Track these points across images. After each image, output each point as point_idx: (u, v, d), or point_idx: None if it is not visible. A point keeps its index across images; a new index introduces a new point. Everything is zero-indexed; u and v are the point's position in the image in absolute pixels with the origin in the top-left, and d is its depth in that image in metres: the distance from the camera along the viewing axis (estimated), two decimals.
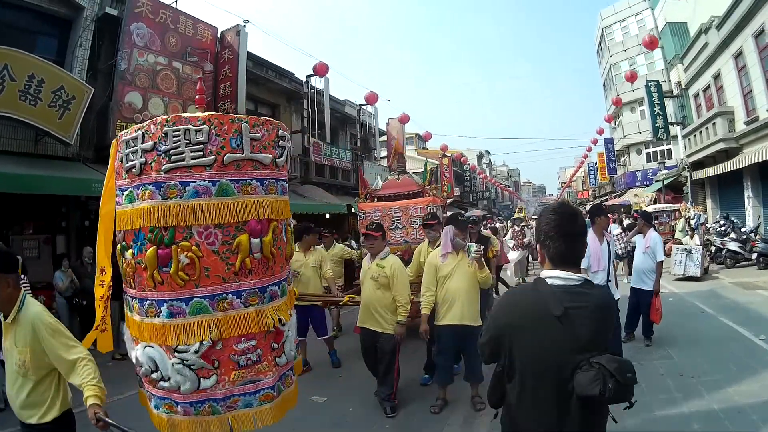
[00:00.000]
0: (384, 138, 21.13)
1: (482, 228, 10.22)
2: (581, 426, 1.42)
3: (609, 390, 1.31)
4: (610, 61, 26.18)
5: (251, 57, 12.30)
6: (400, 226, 6.17)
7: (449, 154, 29.39)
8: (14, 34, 7.46)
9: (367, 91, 16.58)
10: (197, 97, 2.46)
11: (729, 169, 13.16)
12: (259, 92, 12.82)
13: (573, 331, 1.42)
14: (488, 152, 52.80)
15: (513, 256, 10.40)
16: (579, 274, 1.53)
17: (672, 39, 20.79)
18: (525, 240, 10.73)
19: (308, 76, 13.81)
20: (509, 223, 14.37)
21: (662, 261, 5.44)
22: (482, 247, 6.39)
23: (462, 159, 30.84)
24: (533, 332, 1.48)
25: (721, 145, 14.15)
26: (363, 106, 18.23)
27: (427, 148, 33.49)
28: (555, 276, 1.52)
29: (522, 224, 11.25)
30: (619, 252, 9.85)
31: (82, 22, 8.08)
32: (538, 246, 1.67)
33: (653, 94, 17.81)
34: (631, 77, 17.04)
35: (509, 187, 59.46)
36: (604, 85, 29.85)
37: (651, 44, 15.11)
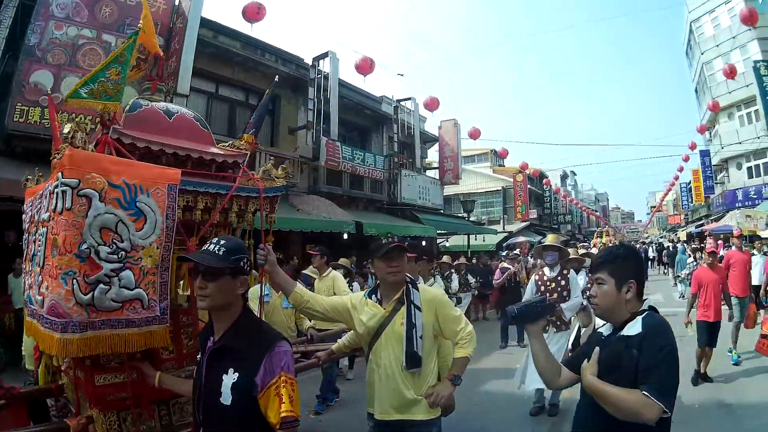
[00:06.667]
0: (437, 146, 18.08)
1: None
2: None
3: None
4: (702, 59, 22.56)
5: (240, 37, 10.46)
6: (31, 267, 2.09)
7: (527, 172, 25.37)
8: None
9: (425, 97, 14.61)
10: None
11: None
12: (253, 79, 10.80)
13: None
14: (573, 173, 46.47)
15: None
16: None
17: None
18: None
19: (315, 59, 11.56)
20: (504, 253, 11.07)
21: None
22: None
23: (533, 172, 26.62)
24: None
25: None
26: (401, 102, 15.44)
27: (504, 166, 29.45)
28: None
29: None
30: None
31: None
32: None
33: (764, 77, 15.66)
34: (730, 72, 14.38)
35: (597, 211, 52.92)
36: (696, 91, 25.80)
37: (750, 18, 12.38)
